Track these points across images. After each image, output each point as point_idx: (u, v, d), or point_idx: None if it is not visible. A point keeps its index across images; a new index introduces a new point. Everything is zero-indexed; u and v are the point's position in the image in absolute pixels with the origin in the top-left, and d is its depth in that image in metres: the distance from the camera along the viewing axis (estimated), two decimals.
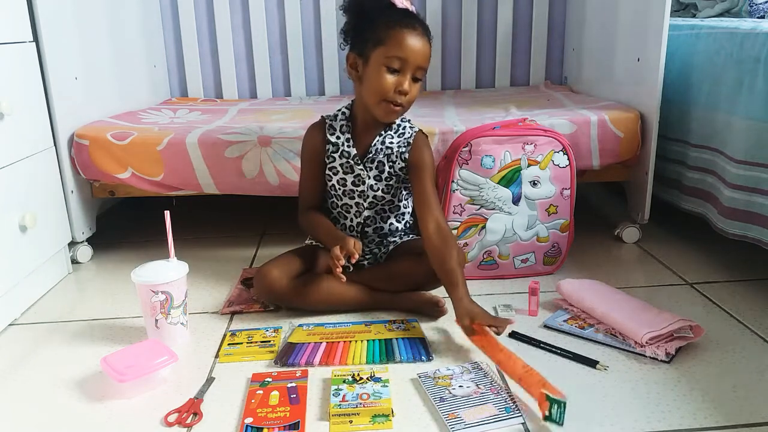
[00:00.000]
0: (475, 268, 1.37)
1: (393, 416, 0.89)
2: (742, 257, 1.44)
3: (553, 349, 1.07)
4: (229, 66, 2.22)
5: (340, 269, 1.12)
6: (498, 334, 1.04)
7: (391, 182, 1.27)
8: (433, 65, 2.22)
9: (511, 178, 1.34)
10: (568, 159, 1.35)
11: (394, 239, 1.32)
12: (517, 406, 0.90)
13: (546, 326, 1.16)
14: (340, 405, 0.90)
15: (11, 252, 1.24)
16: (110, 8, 1.74)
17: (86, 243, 1.57)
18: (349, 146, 1.25)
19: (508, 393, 0.94)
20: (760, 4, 1.80)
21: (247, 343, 1.12)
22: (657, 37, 1.45)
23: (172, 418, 0.91)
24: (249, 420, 0.89)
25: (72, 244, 1.52)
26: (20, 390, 1.01)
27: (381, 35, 1.14)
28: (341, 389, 0.94)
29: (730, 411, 0.89)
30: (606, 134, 1.50)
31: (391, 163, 1.25)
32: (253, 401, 0.93)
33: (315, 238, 1.33)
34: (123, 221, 1.88)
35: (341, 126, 1.26)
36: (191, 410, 0.93)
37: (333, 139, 1.26)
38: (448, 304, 1.20)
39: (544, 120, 1.47)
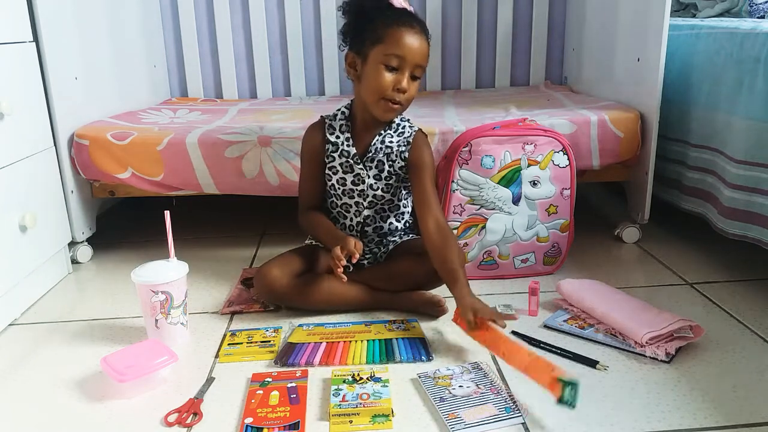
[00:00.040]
0: (475, 268, 1.37)
1: (393, 416, 0.89)
2: (742, 257, 1.44)
3: (553, 349, 1.07)
4: (229, 66, 2.22)
5: (341, 270, 1.12)
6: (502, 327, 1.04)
7: (390, 181, 1.27)
8: (433, 65, 2.23)
9: (511, 178, 1.34)
10: (568, 159, 1.35)
11: (393, 239, 1.32)
12: (517, 406, 0.90)
13: (546, 326, 1.16)
14: (340, 405, 0.90)
15: (11, 252, 1.24)
16: (110, 8, 1.74)
17: (86, 243, 1.57)
18: (348, 146, 1.25)
19: (508, 393, 0.94)
20: (760, 4, 1.80)
21: (247, 343, 1.12)
22: (657, 37, 1.46)
23: (172, 418, 0.91)
24: (249, 420, 0.89)
25: (72, 244, 1.52)
26: (20, 390, 1.01)
27: (379, 34, 1.14)
28: (341, 389, 0.94)
29: (730, 411, 0.89)
30: (606, 134, 1.50)
31: (390, 162, 1.25)
32: (253, 401, 0.93)
33: (315, 237, 1.33)
34: (123, 221, 1.88)
35: (341, 125, 1.26)
36: (191, 410, 0.93)
37: (333, 138, 1.26)
38: (448, 304, 1.21)
39: (544, 120, 1.47)
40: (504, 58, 2.25)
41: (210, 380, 1.01)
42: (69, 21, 1.51)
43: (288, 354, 1.07)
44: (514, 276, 1.39)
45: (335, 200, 1.31)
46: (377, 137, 1.24)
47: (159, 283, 1.09)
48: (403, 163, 1.25)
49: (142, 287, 1.10)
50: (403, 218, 1.34)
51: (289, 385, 0.97)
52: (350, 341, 1.11)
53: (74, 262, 1.54)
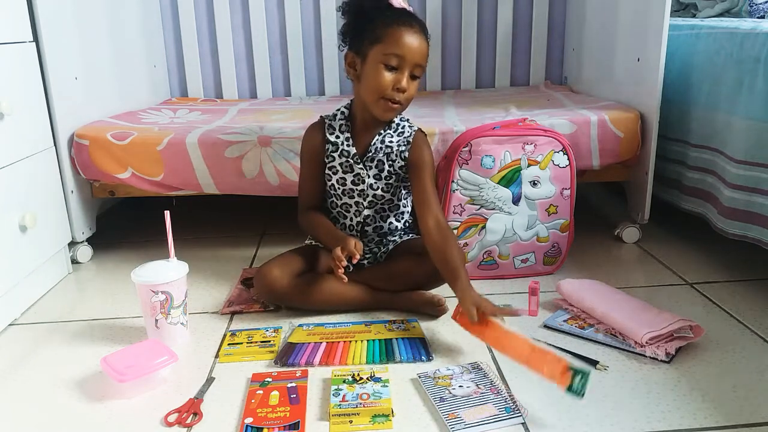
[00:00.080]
0: (475, 268, 1.37)
1: (393, 416, 0.89)
2: (742, 257, 1.44)
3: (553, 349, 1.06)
4: (229, 66, 2.22)
5: (342, 270, 1.12)
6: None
7: (390, 181, 1.27)
8: (433, 65, 2.23)
9: (511, 178, 1.34)
10: (568, 159, 1.35)
11: (393, 238, 1.32)
12: (517, 406, 0.90)
13: (546, 326, 1.16)
14: (340, 405, 0.90)
15: (11, 252, 1.24)
16: (110, 8, 1.74)
17: (86, 243, 1.57)
18: (348, 145, 1.25)
19: (508, 393, 0.94)
20: (760, 4, 1.80)
21: (247, 343, 1.12)
22: (657, 37, 1.46)
23: (172, 418, 0.91)
24: (249, 420, 0.89)
25: (72, 244, 1.52)
26: (20, 390, 1.01)
27: (379, 33, 1.14)
28: (341, 389, 0.94)
29: (730, 411, 0.89)
30: (606, 134, 1.50)
31: (390, 162, 1.25)
32: (253, 401, 0.93)
33: (315, 238, 1.33)
34: (123, 221, 1.88)
35: (340, 125, 1.26)
36: (191, 410, 0.93)
37: (332, 138, 1.26)
38: (448, 304, 1.21)
39: (544, 120, 1.47)
40: (504, 58, 2.25)
41: (210, 380, 1.01)
42: (69, 21, 1.51)
43: (288, 354, 1.07)
44: (514, 276, 1.39)
45: (335, 200, 1.31)
46: (377, 137, 1.24)
47: (159, 283, 1.09)
48: (403, 163, 1.25)
49: (142, 287, 1.10)
50: (402, 218, 1.34)
51: (289, 385, 0.97)
52: (350, 341, 1.11)
53: (74, 262, 1.54)
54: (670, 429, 0.86)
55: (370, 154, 1.24)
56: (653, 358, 1.03)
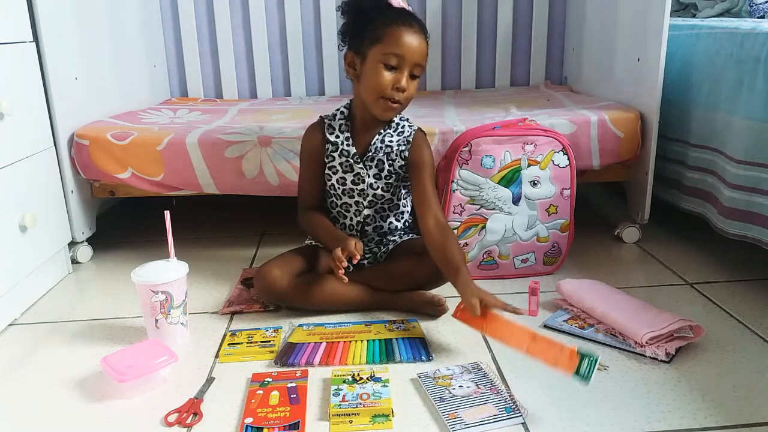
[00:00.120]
0: (475, 268, 1.37)
1: (393, 416, 0.89)
2: (742, 257, 1.44)
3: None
4: (229, 66, 2.22)
5: (342, 271, 1.13)
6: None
7: (390, 180, 1.27)
8: (433, 65, 2.23)
9: (511, 178, 1.34)
10: (568, 159, 1.35)
11: (393, 238, 1.32)
12: (517, 406, 0.90)
13: (546, 326, 1.16)
14: (340, 405, 0.90)
15: (11, 252, 1.24)
16: (110, 8, 1.74)
17: (86, 243, 1.57)
18: (348, 145, 1.25)
19: (508, 393, 0.94)
20: (760, 4, 1.80)
21: (247, 343, 1.12)
22: (657, 37, 1.46)
23: (172, 418, 0.91)
24: (249, 420, 0.89)
25: (72, 244, 1.52)
26: (20, 390, 1.01)
27: (378, 33, 1.14)
28: (341, 389, 0.94)
29: (730, 411, 0.89)
30: (606, 134, 1.50)
31: (390, 162, 1.25)
32: (253, 401, 0.93)
33: (315, 238, 1.33)
34: (123, 221, 1.88)
35: (340, 125, 1.26)
36: (191, 410, 0.93)
37: (332, 138, 1.26)
38: (448, 304, 1.21)
39: (544, 120, 1.47)
40: (504, 58, 2.25)
41: (210, 380, 1.01)
42: (69, 21, 1.51)
43: (288, 354, 1.07)
44: (514, 276, 1.39)
45: (335, 200, 1.31)
46: (377, 136, 1.24)
47: (159, 283, 1.09)
48: (403, 162, 1.25)
49: (142, 287, 1.10)
50: (402, 218, 1.34)
51: (289, 385, 0.97)
52: (350, 341, 1.11)
53: (74, 262, 1.54)
54: (670, 429, 0.86)
55: (370, 153, 1.25)
56: (653, 358, 1.03)
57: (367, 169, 1.25)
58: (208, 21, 2.20)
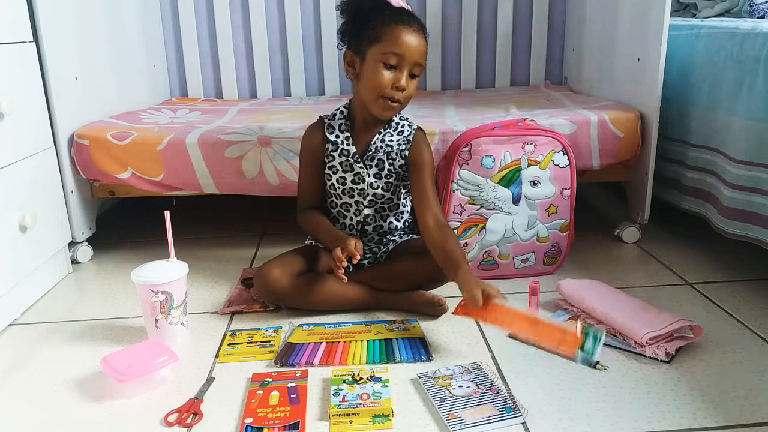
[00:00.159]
0: (475, 268, 1.37)
1: (393, 416, 0.89)
2: (742, 257, 1.44)
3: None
4: (229, 66, 2.22)
5: (342, 270, 1.13)
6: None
7: (390, 180, 1.27)
8: (433, 65, 2.23)
9: (511, 178, 1.34)
10: (568, 159, 1.35)
11: (393, 238, 1.32)
12: (517, 406, 0.90)
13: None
14: (340, 405, 0.90)
15: (11, 252, 1.24)
16: (110, 8, 1.74)
17: (86, 243, 1.57)
18: (348, 144, 1.25)
19: (508, 393, 0.94)
20: (760, 4, 1.81)
21: (247, 343, 1.12)
22: (657, 37, 1.46)
23: (172, 418, 0.91)
24: (249, 420, 0.89)
25: (72, 244, 1.52)
26: (20, 390, 1.01)
27: (377, 32, 1.14)
28: (341, 389, 0.94)
29: (730, 411, 0.89)
30: (606, 134, 1.50)
31: (391, 161, 1.25)
32: (253, 401, 0.93)
33: (314, 237, 1.33)
34: (123, 221, 1.88)
35: (340, 125, 1.26)
36: (191, 410, 0.93)
37: (332, 138, 1.26)
38: (449, 304, 1.21)
39: (544, 120, 1.47)
40: (504, 58, 2.25)
41: (210, 380, 1.01)
42: (69, 21, 1.51)
43: (288, 354, 1.07)
44: (514, 276, 1.39)
45: (335, 200, 1.31)
46: (377, 136, 1.24)
47: (159, 283, 1.09)
48: (403, 162, 1.26)
49: (142, 287, 1.10)
50: (402, 217, 1.34)
51: (289, 385, 0.97)
52: (350, 341, 1.11)
53: (74, 262, 1.54)
54: (670, 429, 0.86)
55: (371, 153, 1.25)
56: (653, 358, 1.03)
57: (367, 169, 1.25)
58: (208, 21, 2.20)
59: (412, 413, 0.91)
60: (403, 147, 1.25)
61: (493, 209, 1.35)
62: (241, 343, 1.12)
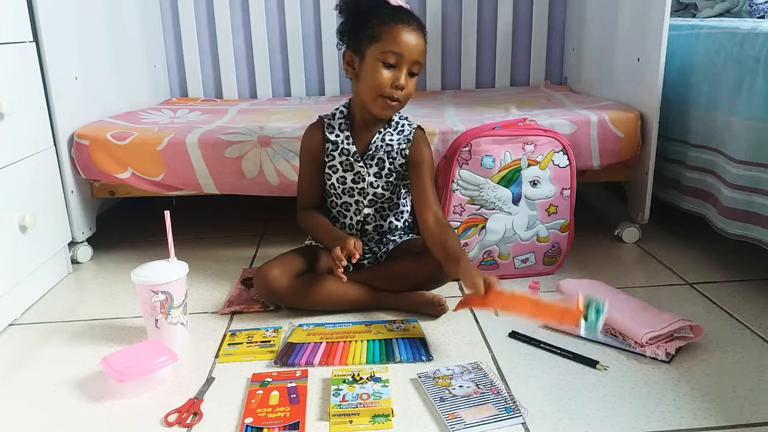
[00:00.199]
0: (475, 269, 1.37)
1: (393, 416, 0.89)
2: (742, 257, 1.44)
3: (553, 349, 1.07)
4: (229, 66, 2.22)
5: (341, 270, 1.13)
6: None
7: (390, 179, 1.27)
8: (432, 65, 2.23)
9: (511, 178, 1.34)
10: (568, 159, 1.35)
11: (393, 238, 1.32)
12: (517, 406, 0.90)
13: (546, 326, 1.16)
14: (340, 405, 0.90)
15: (11, 252, 1.24)
16: (110, 8, 1.74)
17: (86, 243, 1.57)
18: (348, 144, 1.25)
19: (508, 393, 0.94)
20: (760, 4, 1.81)
21: (247, 343, 1.12)
22: (657, 37, 1.46)
23: (172, 418, 0.91)
24: (249, 420, 0.89)
25: (72, 244, 1.52)
26: (20, 390, 1.01)
27: (376, 31, 1.15)
28: (341, 389, 0.94)
29: (730, 411, 0.89)
30: (606, 134, 1.50)
31: (391, 160, 1.25)
32: (253, 401, 0.93)
33: (314, 237, 1.33)
34: (123, 221, 1.88)
35: (340, 124, 1.26)
36: (191, 410, 0.93)
37: (332, 137, 1.26)
38: (448, 304, 1.21)
39: (544, 120, 1.47)
40: (504, 58, 2.25)
41: (210, 380, 1.01)
42: (69, 21, 1.51)
43: (288, 354, 1.07)
44: (514, 276, 1.39)
45: (335, 199, 1.31)
46: (377, 135, 1.24)
47: (159, 283, 1.09)
48: (403, 161, 1.26)
49: (142, 287, 1.10)
50: (402, 217, 1.34)
51: (289, 385, 0.97)
52: (350, 341, 1.11)
53: (74, 262, 1.54)
54: (670, 429, 0.86)
55: (371, 152, 1.25)
56: (653, 358, 1.03)
57: (367, 168, 1.25)
58: (208, 21, 2.20)
59: (412, 413, 0.91)
60: (404, 146, 1.25)
61: (493, 209, 1.35)
62: (241, 343, 1.12)
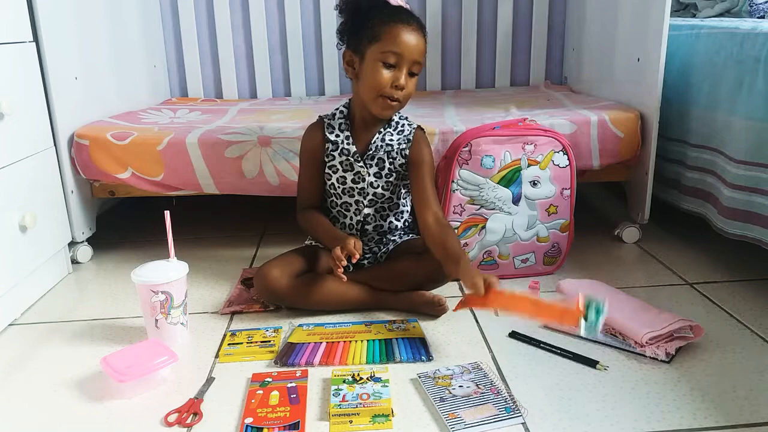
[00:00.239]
0: (475, 269, 1.37)
1: (393, 416, 0.89)
2: (742, 257, 1.44)
3: (553, 349, 1.07)
4: (229, 66, 2.22)
5: (341, 270, 1.13)
6: None
7: (390, 179, 1.27)
8: (433, 65, 2.23)
9: (511, 178, 1.34)
10: (568, 159, 1.35)
11: (393, 238, 1.32)
12: (517, 406, 0.90)
13: (546, 326, 1.16)
14: (340, 405, 0.90)
15: (11, 252, 1.24)
16: (110, 8, 1.74)
17: (86, 243, 1.57)
18: (348, 144, 1.25)
19: (508, 393, 0.94)
20: (760, 4, 1.81)
21: (247, 343, 1.12)
22: (657, 37, 1.46)
23: (172, 418, 0.91)
24: (249, 420, 0.89)
25: (72, 244, 1.52)
26: (20, 390, 1.01)
27: (376, 31, 1.15)
28: (341, 389, 0.94)
29: (730, 411, 0.89)
30: (606, 134, 1.50)
31: (391, 160, 1.25)
32: (253, 401, 0.93)
33: (314, 237, 1.33)
34: (123, 221, 1.88)
35: (340, 124, 1.26)
36: (191, 410, 0.93)
37: (332, 137, 1.26)
38: (448, 304, 1.21)
39: (544, 120, 1.47)
40: (504, 58, 2.25)
41: (210, 380, 1.01)
42: (69, 21, 1.51)
43: (288, 354, 1.07)
44: (514, 276, 1.39)
45: (335, 199, 1.31)
46: (377, 135, 1.24)
47: (159, 283, 1.09)
48: (404, 161, 1.26)
49: (142, 287, 1.10)
50: (402, 217, 1.34)
51: (289, 385, 0.97)
52: (350, 341, 1.11)
53: (74, 262, 1.54)
54: (670, 429, 0.86)
55: (371, 152, 1.25)
56: (653, 358, 1.03)
57: (367, 168, 1.25)
58: (208, 21, 2.20)
59: (412, 413, 0.91)
60: (404, 146, 1.25)
61: (493, 209, 1.35)
62: (241, 343, 1.12)
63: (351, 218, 1.31)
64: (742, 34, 1.32)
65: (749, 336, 1.11)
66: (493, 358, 1.06)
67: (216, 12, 2.17)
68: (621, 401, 0.92)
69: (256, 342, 1.12)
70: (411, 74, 1.17)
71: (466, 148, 1.32)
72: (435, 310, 1.21)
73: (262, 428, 0.87)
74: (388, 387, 0.94)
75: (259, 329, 1.17)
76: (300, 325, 1.17)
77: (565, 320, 1.00)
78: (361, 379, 0.96)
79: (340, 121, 1.26)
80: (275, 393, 0.95)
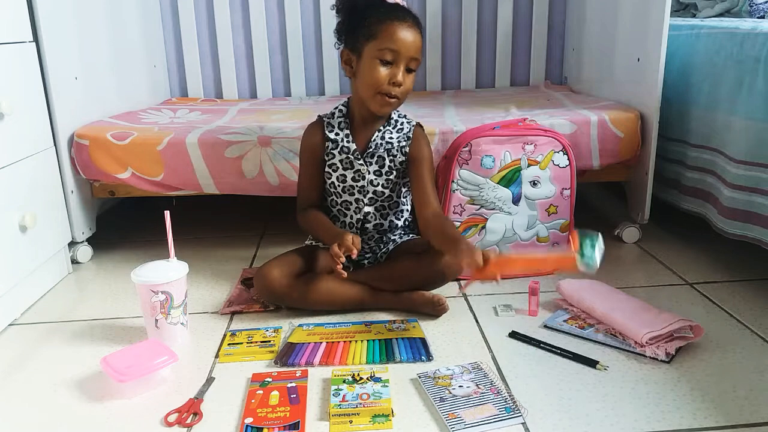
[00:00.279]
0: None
1: (393, 416, 0.89)
2: (742, 257, 1.44)
3: (553, 349, 1.07)
4: (229, 66, 2.22)
5: (340, 266, 1.13)
6: None
7: (390, 177, 1.27)
8: (433, 65, 2.23)
9: (511, 178, 1.34)
10: (568, 159, 1.35)
11: (393, 237, 1.32)
12: (517, 406, 0.90)
13: (546, 326, 1.16)
14: (340, 405, 0.90)
15: (11, 252, 1.24)
16: (110, 8, 1.74)
17: (86, 243, 1.57)
18: (348, 142, 1.25)
19: (508, 393, 0.94)
20: (760, 4, 1.81)
21: (247, 343, 1.12)
22: (657, 37, 1.46)
23: (172, 418, 0.91)
24: (249, 420, 0.89)
25: (72, 244, 1.52)
26: (20, 390, 1.01)
27: (373, 29, 1.15)
28: (341, 389, 0.94)
29: (730, 411, 0.89)
30: (606, 134, 1.50)
31: (391, 158, 1.26)
32: (253, 401, 0.93)
33: (313, 235, 1.33)
34: (123, 221, 1.88)
35: (339, 123, 1.26)
36: (191, 410, 0.93)
37: (332, 136, 1.26)
38: (448, 303, 1.21)
39: (544, 120, 1.47)
40: (504, 58, 2.25)
41: (210, 380, 1.01)
42: (69, 21, 1.51)
43: (288, 354, 1.07)
44: (514, 276, 1.39)
45: (335, 198, 1.31)
46: (377, 133, 1.25)
47: (159, 283, 1.09)
48: (404, 158, 1.26)
49: (142, 287, 1.10)
50: (402, 216, 1.34)
51: (289, 385, 0.97)
52: (350, 341, 1.11)
53: (74, 262, 1.54)
54: (670, 429, 0.86)
55: (371, 150, 1.25)
56: (653, 358, 1.03)
57: (367, 166, 1.26)
58: (208, 21, 2.20)
59: (412, 413, 0.91)
60: (404, 143, 1.25)
61: (493, 209, 1.35)
62: (241, 343, 1.12)
63: (351, 217, 1.31)
64: (742, 34, 1.32)
65: (749, 336, 1.11)
66: (493, 358, 1.06)
67: (216, 12, 2.17)
68: (621, 401, 0.92)
69: (256, 342, 1.12)
70: (408, 70, 1.18)
71: (466, 148, 1.32)
72: (435, 310, 1.21)
73: (262, 428, 0.87)
74: (388, 387, 0.94)
75: (259, 329, 1.17)
76: (300, 325, 1.17)
77: (563, 265, 1.02)
78: (361, 379, 0.96)
79: (340, 119, 1.26)
80: (275, 393, 0.95)
